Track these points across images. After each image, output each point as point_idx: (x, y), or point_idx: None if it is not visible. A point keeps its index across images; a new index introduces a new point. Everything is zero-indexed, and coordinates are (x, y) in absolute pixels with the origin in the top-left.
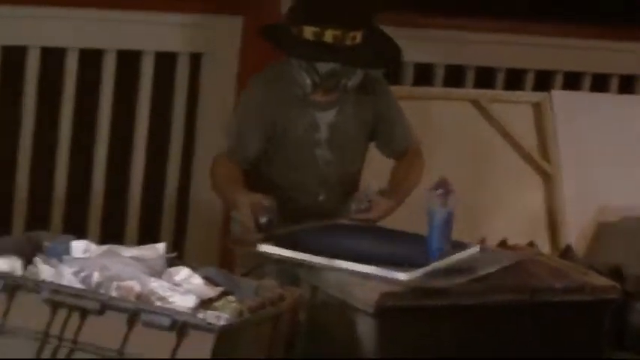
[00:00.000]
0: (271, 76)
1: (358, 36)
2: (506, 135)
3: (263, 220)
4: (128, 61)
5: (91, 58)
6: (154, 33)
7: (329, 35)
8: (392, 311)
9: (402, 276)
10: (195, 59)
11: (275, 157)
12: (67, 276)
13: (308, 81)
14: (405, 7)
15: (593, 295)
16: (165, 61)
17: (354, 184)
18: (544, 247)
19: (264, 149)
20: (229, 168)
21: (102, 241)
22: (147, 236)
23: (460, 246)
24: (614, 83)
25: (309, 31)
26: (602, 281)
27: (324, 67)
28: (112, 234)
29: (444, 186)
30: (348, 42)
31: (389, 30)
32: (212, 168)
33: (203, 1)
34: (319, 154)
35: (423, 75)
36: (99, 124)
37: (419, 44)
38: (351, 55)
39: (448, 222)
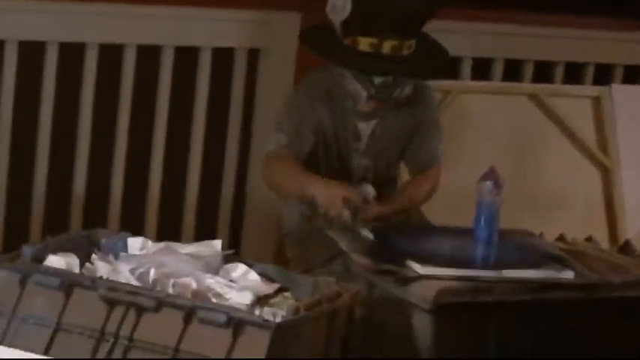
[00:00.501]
0: (324, 80)
1: (413, 44)
2: (564, 129)
3: (347, 213)
4: (186, 57)
5: (148, 55)
6: (212, 29)
7: (387, 46)
8: (449, 307)
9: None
10: (253, 55)
11: (313, 161)
12: (123, 273)
13: (364, 93)
14: (461, 2)
15: None
16: (223, 57)
17: (391, 187)
18: (603, 241)
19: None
20: (293, 160)
21: (159, 238)
22: (204, 233)
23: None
24: None
25: (365, 43)
26: None
27: (379, 78)
28: (168, 231)
29: (492, 177)
30: (405, 51)
31: (446, 24)
32: (270, 162)
33: None
34: (356, 162)
35: (481, 69)
36: (156, 122)
37: (476, 38)
38: (410, 66)
39: (496, 212)
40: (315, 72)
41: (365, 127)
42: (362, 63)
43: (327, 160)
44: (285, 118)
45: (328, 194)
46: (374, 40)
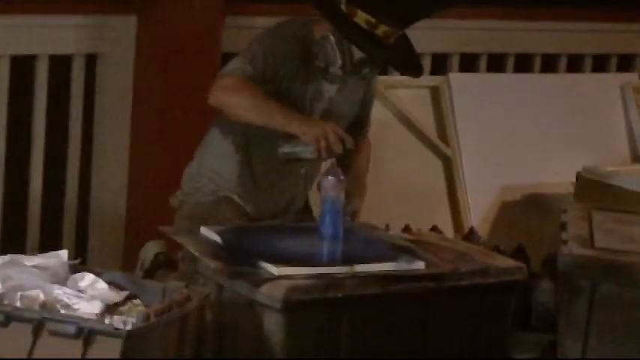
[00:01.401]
0: (301, 35)
1: (399, 35)
2: (405, 120)
3: (340, 151)
4: (22, 65)
5: None
6: (48, 36)
7: (381, 29)
8: (299, 305)
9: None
10: (91, 61)
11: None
12: None
13: (340, 62)
14: None
15: (499, 277)
16: (60, 64)
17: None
18: (447, 230)
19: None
20: (259, 89)
21: (2, 251)
22: (48, 244)
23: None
24: (510, 62)
25: (362, 18)
26: (508, 263)
27: (358, 54)
28: (12, 243)
29: (334, 173)
30: (392, 40)
31: None
32: (231, 84)
33: (96, 2)
34: None
35: None
36: None
37: None
38: (397, 56)
39: (340, 208)
40: (292, 24)
41: (328, 89)
42: (359, 38)
43: None
44: (257, 51)
45: (318, 131)
46: (371, 19)
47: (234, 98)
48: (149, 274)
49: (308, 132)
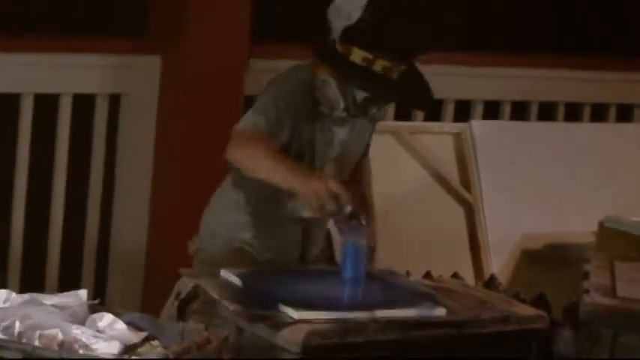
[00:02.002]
0: (310, 78)
1: (402, 69)
2: (427, 166)
3: (333, 210)
4: (46, 103)
5: (8, 103)
6: (72, 75)
7: (379, 65)
8: (318, 349)
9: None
10: (114, 101)
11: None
12: None
13: (342, 105)
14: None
15: (520, 325)
16: (84, 104)
17: None
18: (468, 277)
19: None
20: (271, 145)
21: (22, 289)
22: (68, 283)
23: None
24: (534, 110)
25: (359, 55)
26: (529, 311)
27: (360, 94)
28: (32, 282)
29: (355, 218)
30: (394, 74)
31: None
32: (246, 142)
33: (121, 41)
34: (327, 170)
35: None
36: (17, 168)
37: None
38: (401, 91)
39: (362, 252)
40: (297, 70)
41: (339, 133)
42: (357, 77)
43: (297, 161)
44: (268, 101)
45: (313, 189)
46: (368, 56)
47: (242, 154)
48: (184, 303)
49: (303, 190)
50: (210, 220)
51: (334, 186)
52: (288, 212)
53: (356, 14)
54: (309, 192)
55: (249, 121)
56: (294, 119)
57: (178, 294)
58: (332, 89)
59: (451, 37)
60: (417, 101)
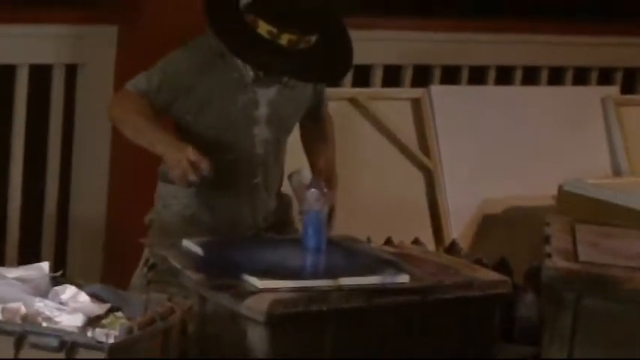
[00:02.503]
0: (207, 50)
1: (313, 38)
2: (386, 132)
3: (194, 179)
4: (2, 74)
5: None
6: (28, 46)
7: (284, 38)
8: (283, 318)
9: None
10: (71, 71)
11: (204, 133)
12: None
13: (251, 73)
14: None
15: (484, 291)
16: (41, 74)
17: (284, 162)
18: (429, 243)
19: (181, 115)
20: (144, 105)
21: None
22: (28, 255)
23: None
24: (492, 74)
25: (264, 29)
26: (492, 276)
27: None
28: None
29: (316, 186)
30: (302, 45)
31: None
32: (120, 101)
33: (77, 11)
34: (257, 132)
35: None
36: None
37: None
38: (303, 66)
39: (323, 221)
40: (204, 37)
41: (265, 93)
42: (256, 56)
43: (218, 131)
44: (159, 68)
45: (175, 159)
46: (273, 29)
47: (116, 113)
48: (154, 267)
49: (168, 158)
50: (161, 191)
51: (193, 155)
52: (161, 174)
53: None
54: (172, 161)
55: (133, 81)
56: (191, 88)
57: (147, 260)
58: (237, 60)
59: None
60: (314, 76)
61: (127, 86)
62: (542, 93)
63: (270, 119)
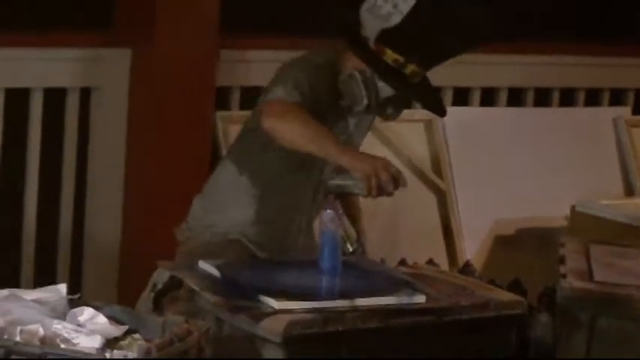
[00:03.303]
0: (329, 68)
1: (423, 75)
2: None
3: (391, 191)
4: (17, 98)
5: None
6: (42, 69)
7: (409, 69)
8: (299, 339)
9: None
10: (85, 94)
11: (292, 152)
12: None
13: (365, 101)
14: None
15: (499, 311)
16: (55, 97)
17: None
18: (443, 264)
19: None
20: (310, 116)
21: None
22: (43, 276)
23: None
24: (503, 96)
25: (390, 57)
26: (507, 296)
27: (384, 93)
28: (6, 276)
29: (332, 206)
30: (416, 80)
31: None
32: (286, 112)
33: (91, 35)
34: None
35: None
36: None
37: None
38: (424, 95)
39: (339, 241)
40: (321, 56)
41: (351, 124)
42: (391, 76)
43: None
44: (299, 77)
45: (370, 169)
46: (400, 59)
47: (287, 124)
48: (161, 294)
49: (359, 168)
50: (203, 207)
51: (393, 167)
52: (333, 188)
53: (396, 18)
54: (366, 171)
55: (280, 94)
56: (315, 107)
57: (154, 285)
58: (357, 84)
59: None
60: (434, 106)
61: (281, 99)
62: (554, 114)
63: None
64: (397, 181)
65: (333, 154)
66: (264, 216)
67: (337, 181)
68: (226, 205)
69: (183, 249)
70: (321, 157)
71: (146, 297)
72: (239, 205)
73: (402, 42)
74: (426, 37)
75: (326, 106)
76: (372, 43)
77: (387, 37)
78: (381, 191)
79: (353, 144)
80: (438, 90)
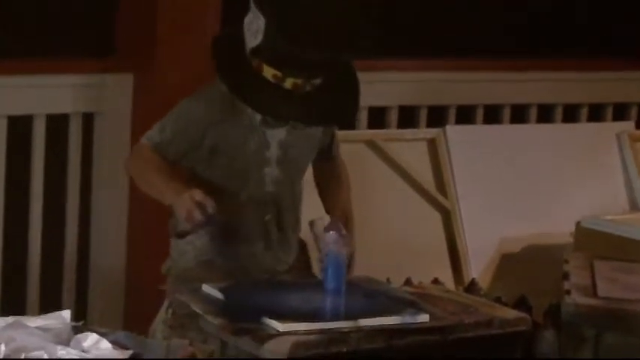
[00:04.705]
0: (217, 97)
1: (319, 81)
2: (402, 173)
3: (200, 218)
4: (20, 125)
5: None
6: (44, 96)
7: (289, 82)
8: None
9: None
10: (88, 120)
11: (216, 179)
12: None
13: (259, 117)
14: None
15: (504, 329)
16: (58, 124)
17: (299, 203)
18: (448, 283)
19: (193, 164)
20: (156, 158)
21: (3, 312)
22: (49, 304)
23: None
24: (507, 113)
25: (269, 72)
26: (511, 314)
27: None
28: (13, 304)
29: (335, 228)
30: (308, 88)
31: None
32: (135, 155)
33: (92, 61)
34: (267, 172)
35: None
36: None
37: None
38: (307, 110)
39: (343, 262)
40: (215, 85)
41: (275, 134)
42: (260, 102)
43: (230, 176)
44: (171, 119)
45: (181, 202)
46: (278, 74)
47: (131, 167)
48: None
49: (176, 204)
50: (175, 243)
51: (198, 195)
52: (171, 228)
53: (260, 35)
54: (179, 204)
55: (149, 133)
56: (192, 141)
57: (170, 304)
58: (244, 105)
59: (364, 47)
60: (319, 120)
61: (142, 139)
62: (558, 130)
63: (280, 160)
64: (204, 208)
65: (159, 195)
66: (222, 239)
67: (171, 222)
68: (192, 237)
69: (169, 280)
70: (158, 199)
71: (161, 316)
72: (201, 238)
73: (271, 57)
74: (293, 46)
75: (226, 131)
76: (253, 60)
77: (260, 53)
78: (194, 221)
79: (294, 153)
80: (344, 98)
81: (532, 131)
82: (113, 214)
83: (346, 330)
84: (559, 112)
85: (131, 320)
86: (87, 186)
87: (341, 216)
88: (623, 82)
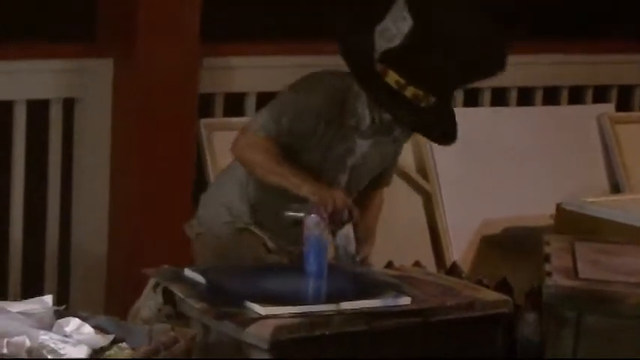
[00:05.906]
0: (340, 90)
1: (433, 100)
2: None
3: (344, 216)
4: (1, 111)
5: None
6: (25, 81)
7: (410, 91)
8: (286, 344)
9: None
10: (69, 105)
11: (308, 158)
12: None
13: (368, 121)
14: None
15: (485, 311)
16: (39, 109)
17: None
18: (430, 266)
19: (290, 149)
20: (277, 149)
21: None
22: (31, 288)
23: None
24: (487, 96)
25: (393, 78)
26: (493, 296)
27: (387, 115)
28: None
29: (317, 212)
30: (423, 103)
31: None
32: (252, 147)
33: (73, 46)
34: (341, 179)
35: None
36: None
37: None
38: (424, 121)
39: (324, 245)
40: (333, 77)
41: (361, 145)
42: (386, 99)
43: (309, 164)
44: (288, 104)
45: (328, 199)
46: (401, 80)
47: (254, 158)
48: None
49: (317, 193)
50: (211, 200)
51: (347, 200)
52: (287, 218)
53: (398, 39)
54: (324, 197)
55: (260, 122)
56: (315, 129)
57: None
58: (361, 104)
59: (500, 68)
60: (434, 135)
61: (256, 130)
62: (538, 113)
63: (354, 167)
64: (351, 212)
65: (295, 185)
66: (265, 207)
67: (290, 212)
68: (231, 197)
69: (198, 245)
70: (283, 187)
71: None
72: (243, 197)
73: (401, 63)
74: (426, 59)
75: (331, 127)
76: (378, 64)
77: (389, 58)
78: (334, 216)
79: (366, 165)
80: (450, 120)
81: (513, 114)
82: (94, 197)
83: (328, 313)
84: (539, 95)
85: (112, 304)
86: (68, 171)
87: (366, 226)
88: (604, 65)
